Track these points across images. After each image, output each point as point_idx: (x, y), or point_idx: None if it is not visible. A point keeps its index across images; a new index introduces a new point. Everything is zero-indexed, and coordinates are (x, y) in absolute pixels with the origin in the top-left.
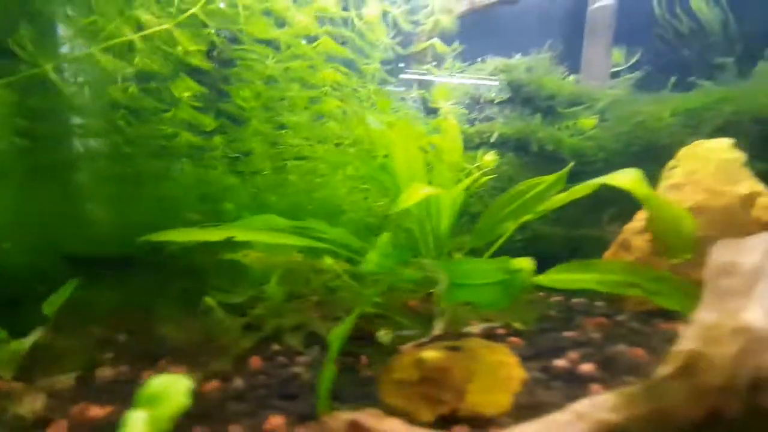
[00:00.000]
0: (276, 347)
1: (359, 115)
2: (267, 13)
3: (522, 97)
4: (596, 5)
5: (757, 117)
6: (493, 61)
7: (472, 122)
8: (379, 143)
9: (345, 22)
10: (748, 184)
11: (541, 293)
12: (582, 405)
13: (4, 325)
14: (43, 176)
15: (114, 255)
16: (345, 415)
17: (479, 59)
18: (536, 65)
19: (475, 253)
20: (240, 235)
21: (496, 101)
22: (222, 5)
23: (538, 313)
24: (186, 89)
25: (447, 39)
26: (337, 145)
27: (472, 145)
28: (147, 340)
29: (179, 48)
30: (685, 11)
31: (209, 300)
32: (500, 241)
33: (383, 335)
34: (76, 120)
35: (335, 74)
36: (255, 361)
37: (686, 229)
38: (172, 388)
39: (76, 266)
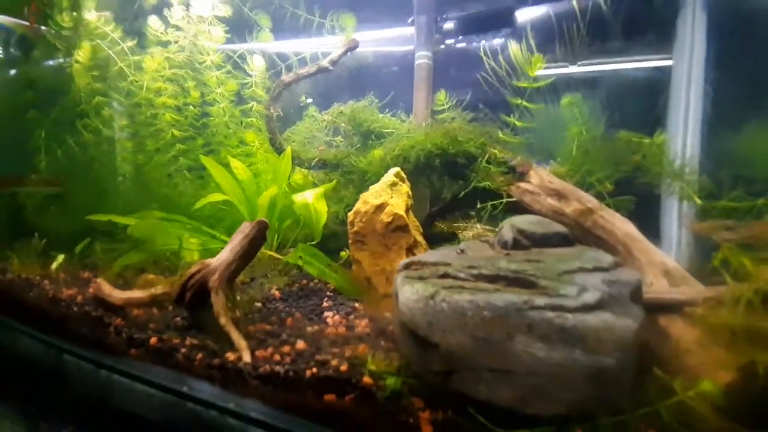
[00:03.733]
0: None
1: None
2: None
3: (353, 131)
4: (417, 62)
5: (427, 154)
6: (339, 107)
7: (332, 146)
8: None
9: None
10: (384, 198)
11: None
12: (158, 288)
13: None
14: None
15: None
16: (100, 280)
17: (334, 104)
18: (360, 108)
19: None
20: (118, 219)
21: (348, 133)
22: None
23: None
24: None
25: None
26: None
27: (306, 165)
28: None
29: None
30: (506, 59)
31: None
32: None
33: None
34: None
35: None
36: None
37: (319, 222)
38: None
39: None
